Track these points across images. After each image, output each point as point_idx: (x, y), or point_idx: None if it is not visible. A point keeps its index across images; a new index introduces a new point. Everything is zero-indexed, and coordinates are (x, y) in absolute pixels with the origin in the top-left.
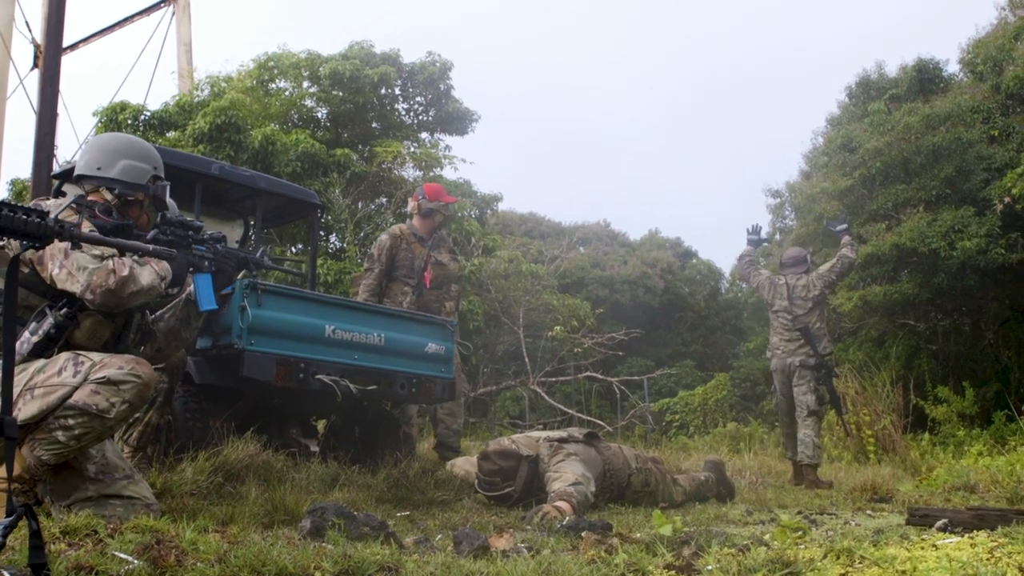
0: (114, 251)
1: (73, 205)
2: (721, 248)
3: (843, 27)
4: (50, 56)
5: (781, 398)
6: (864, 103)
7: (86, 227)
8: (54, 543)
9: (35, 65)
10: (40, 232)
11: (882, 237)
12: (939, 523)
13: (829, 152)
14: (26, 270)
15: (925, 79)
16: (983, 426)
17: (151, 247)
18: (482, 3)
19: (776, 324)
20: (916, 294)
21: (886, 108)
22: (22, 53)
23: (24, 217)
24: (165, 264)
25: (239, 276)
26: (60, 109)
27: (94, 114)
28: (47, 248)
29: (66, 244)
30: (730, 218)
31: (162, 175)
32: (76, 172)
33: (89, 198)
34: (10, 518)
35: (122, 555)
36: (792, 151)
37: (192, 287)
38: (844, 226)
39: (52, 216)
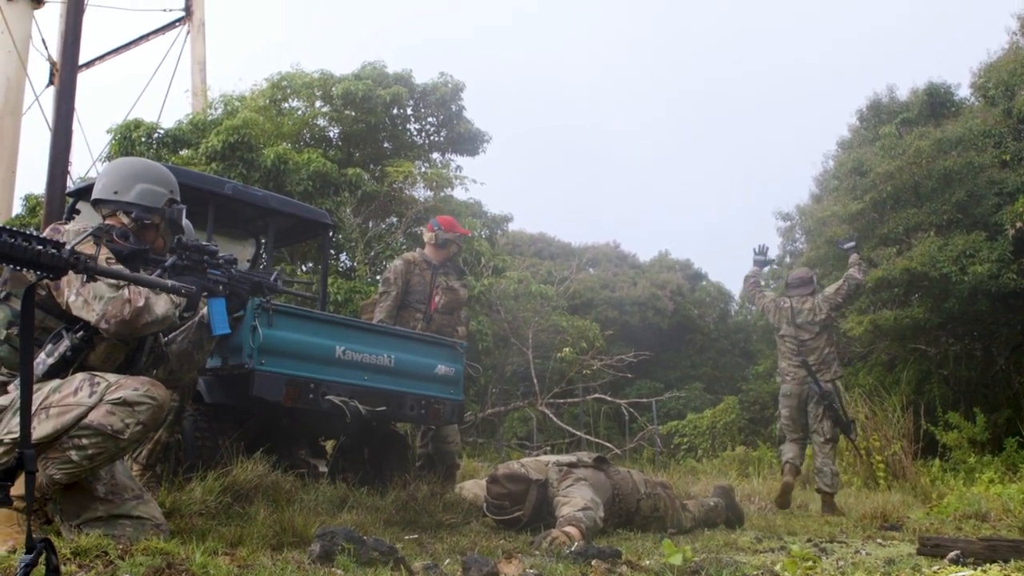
0: None
1: (91, 236)
2: (731, 270)
3: (855, 49)
4: (66, 73)
5: (788, 422)
6: (875, 126)
7: (103, 254)
8: (65, 564)
9: (51, 82)
10: (54, 264)
11: (893, 261)
12: (951, 555)
13: (840, 175)
14: (43, 293)
15: (936, 103)
16: (994, 453)
17: (169, 283)
18: (495, 17)
19: (784, 349)
20: (927, 319)
21: (897, 132)
22: (38, 70)
23: (39, 248)
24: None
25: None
26: (75, 126)
27: (108, 131)
28: None
29: None
30: (740, 240)
31: (178, 198)
32: (93, 196)
33: (106, 222)
34: (31, 555)
35: None
36: (803, 173)
37: (205, 310)
38: (852, 243)
39: (68, 248)
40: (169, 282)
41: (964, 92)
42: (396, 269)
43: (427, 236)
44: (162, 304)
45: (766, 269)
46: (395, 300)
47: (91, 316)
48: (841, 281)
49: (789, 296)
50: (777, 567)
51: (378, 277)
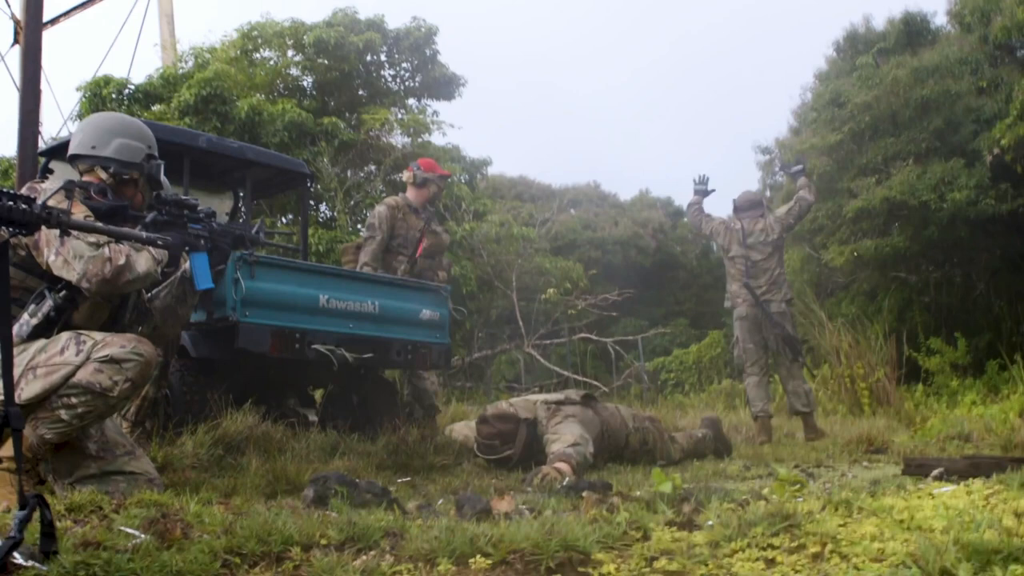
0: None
1: (63, 191)
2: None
3: None
4: (31, 31)
5: (750, 346)
6: (852, 57)
7: (79, 211)
8: (60, 520)
9: (16, 40)
10: (26, 219)
11: (872, 191)
12: (935, 472)
13: (818, 108)
14: (23, 253)
15: (913, 32)
16: (976, 376)
17: (145, 235)
18: None
19: (733, 271)
20: (907, 247)
21: (874, 62)
22: (2, 29)
23: (9, 204)
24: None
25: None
26: (43, 85)
27: (78, 89)
28: (42, 233)
29: None
30: (721, 176)
31: (156, 154)
32: (70, 152)
33: (84, 178)
34: (23, 511)
35: (128, 530)
36: (781, 107)
37: (187, 265)
38: (800, 167)
39: (39, 202)
40: (144, 234)
41: (940, 20)
42: (380, 215)
43: (407, 176)
44: (143, 261)
45: (706, 197)
46: (380, 244)
47: (72, 275)
48: (792, 202)
49: (739, 218)
50: (765, 491)
51: (359, 226)
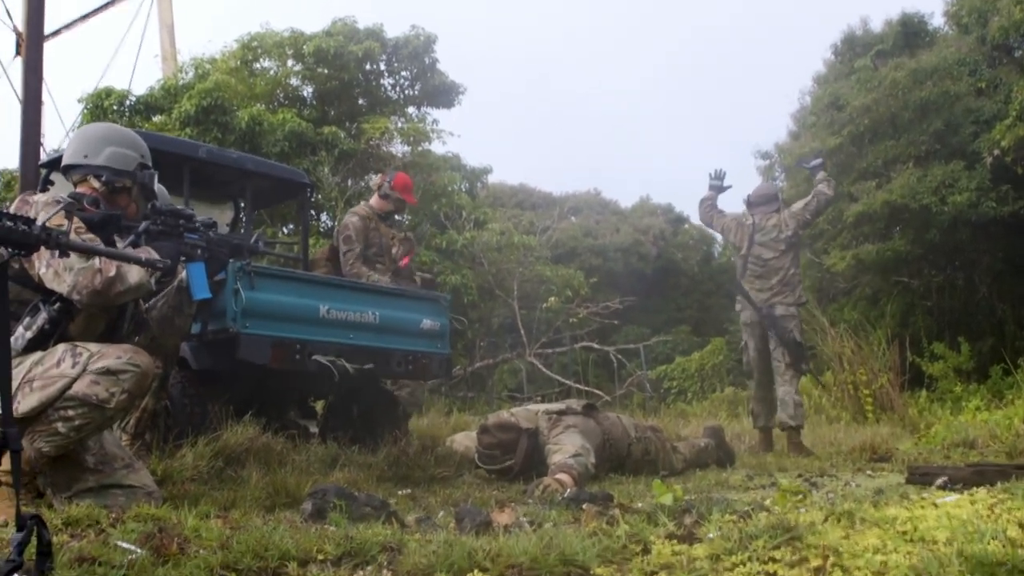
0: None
1: (64, 211)
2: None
3: None
4: (32, 43)
5: (755, 354)
6: (850, 60)
7: (74, 225)
8: (56, 535)
9: (17, 52)
10: (25, 241)
11: (873, 195)
12: (939, 481)
13: (817, 111)
14: (15, 266)
15: (910, 33)
16: (980, 381)
17: (144, 257)
18: None
19: (742, 271)
20: (909, 251)
21: (872, 64)
22: (3, 41)
23: (9, 225)
24: (156, 257)
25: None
26: (45, 97)
27: (79, 101)
28: None
29: None
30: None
31: (149, 163)
32: (63, 162)
33: (77, 189)
34: (21, 533)
35: (125, 544)
36: (780, 112)
37: (184, 275)
38: (819, 161)
39: (39, 224)
40: (143, 256)
41: (938, 21)
42: (354, 225)
43: (375, 182)
44: (135, 272)
45: (721, 194)
46: (360, 254)
47: (62, 288)
48: (810, 196)
49: (752, 214)
50: (767, 502)
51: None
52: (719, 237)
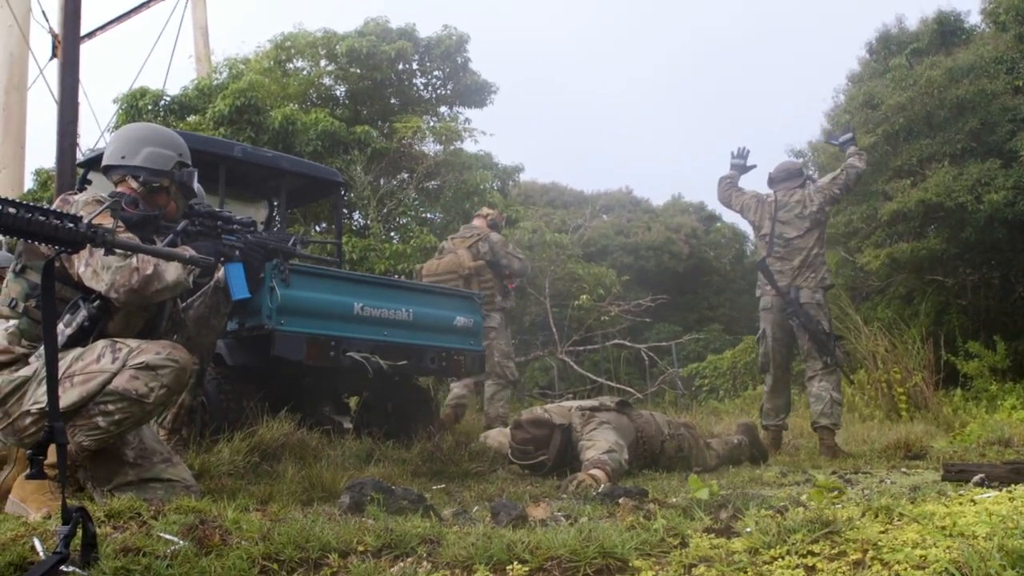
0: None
1: (109, 209)
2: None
3: None
4: (68, 45)
5: (772, 344)
6: (885, 59)
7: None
8: (99, 527)
9: (54, 54)
10: (71, 238)
11: (908, 193)
12: (976, 478)
13: (851, 110)
14: (56, 264)
15: (946, 31)
16: (1016, 380)
17: (187, 255)
18: None
19: (765, 252)
20: (944, 249)
21: (908, 63)
22: (41, 43)
23: (56, 223)
24: (197, 255)
25: None
26: (81, 97)
27: (115, 101)
28: None
29: None
30: (753, 180)
31: (188, 162)
32: (103, 163)
33: (117, 189)
34: (67, 526)
35: (168, 536)
36: (814, 110)
37: (221, 274)
38: (848, 136)
39: (85, 222)
40: (187, 254)
41: (974, 19)
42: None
43: (493, 215)
44: (172, 271)
45: (744, 174)
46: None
47: (100, 286)
48: (839, 171)
49: (774, 190)
50: (803, 498)
51: (392, 234)
52: (751, 235)
